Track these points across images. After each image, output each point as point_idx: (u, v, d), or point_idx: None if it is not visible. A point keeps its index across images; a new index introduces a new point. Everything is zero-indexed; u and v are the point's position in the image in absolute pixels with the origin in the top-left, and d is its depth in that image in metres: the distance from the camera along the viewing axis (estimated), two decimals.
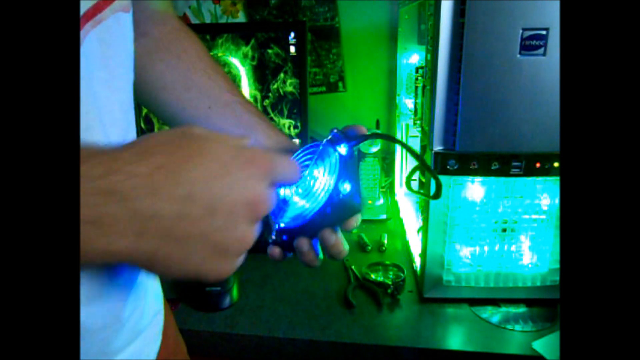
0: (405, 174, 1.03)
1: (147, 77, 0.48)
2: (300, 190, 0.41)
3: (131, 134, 0.40)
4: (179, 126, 0.29)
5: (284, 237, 0.41)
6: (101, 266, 0.27)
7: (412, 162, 1.00)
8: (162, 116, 0.50)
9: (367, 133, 0.42)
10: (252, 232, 0.29)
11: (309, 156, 0.42)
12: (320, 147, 0.41)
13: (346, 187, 0.40)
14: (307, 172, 0.41)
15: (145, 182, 0.25)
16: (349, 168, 0.41)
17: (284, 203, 0.42)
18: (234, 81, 1.04)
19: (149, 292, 0.44)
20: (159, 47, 0.48)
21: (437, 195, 0.46)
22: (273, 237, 0.41)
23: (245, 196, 0.28)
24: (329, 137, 0.41)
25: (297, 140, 0.46)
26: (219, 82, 0.49)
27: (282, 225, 0.41)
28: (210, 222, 0.27)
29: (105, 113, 0.35)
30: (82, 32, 0.31)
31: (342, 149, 0.41)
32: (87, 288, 0.33)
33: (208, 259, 0.28)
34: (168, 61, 0.48)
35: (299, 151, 0.43)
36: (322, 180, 0.41)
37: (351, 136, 0.41)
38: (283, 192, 0.42)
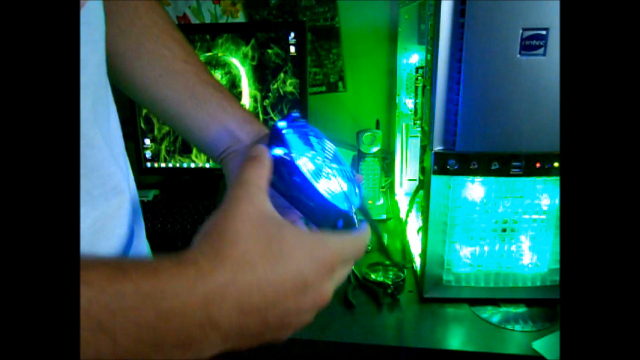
0: (405, 174, 1.03)
1: None
2: (329, 171, 0.37)
3: (113, 111, 0.40)
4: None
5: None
6: None
7: (412, 162, 1.00)
8: (117, 83, 0.49)
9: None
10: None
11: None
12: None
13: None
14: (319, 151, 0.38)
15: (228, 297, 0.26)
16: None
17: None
18: (234, 81, 1.04)
19: None
20: (112, 10, 0.45)
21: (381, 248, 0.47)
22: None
23: (315, 301, 0.30)
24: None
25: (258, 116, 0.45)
26: (173, 50, 0.47)
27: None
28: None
29: (99, 98, 0.35)
30: None
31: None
32: None
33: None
34: (121, 26, 0.46)
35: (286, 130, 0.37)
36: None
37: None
38: (329, 183, 0.36)
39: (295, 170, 0.34)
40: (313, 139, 0.38)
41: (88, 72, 0.33)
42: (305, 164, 0.35)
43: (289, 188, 0.35)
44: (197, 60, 0.49)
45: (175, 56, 0.47)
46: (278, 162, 0.34)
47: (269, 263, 0.28)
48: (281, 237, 0.29)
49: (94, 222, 0.34)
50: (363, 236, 0.35)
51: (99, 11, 0.35)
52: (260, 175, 0.32)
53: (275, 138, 0.36)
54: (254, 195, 0.31)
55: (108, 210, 0.36)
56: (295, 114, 0.39)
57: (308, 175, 0.34)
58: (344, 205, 0.36)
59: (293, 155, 0.35)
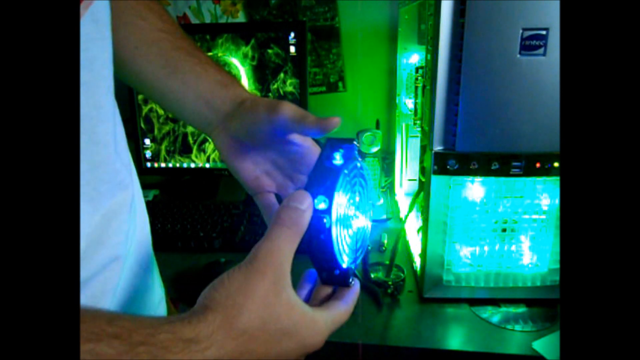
0: (405, 174, 1.03)
1: None
2: (351, 232, 0.37)
3: (115, 106, 0.40)
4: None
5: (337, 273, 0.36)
6: None
7: (412, 162, 1.00)
8: None
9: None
10: None
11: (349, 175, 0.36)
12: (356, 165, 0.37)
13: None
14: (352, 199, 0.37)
15: None
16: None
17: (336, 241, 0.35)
18: None
19: (155, 280, 0.45)
20: None
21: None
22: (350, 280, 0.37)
23: None
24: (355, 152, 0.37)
25: (240, 83, 0.43)
26: (149, 20, 0.45)
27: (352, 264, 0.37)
28: None
29: (106, 94, 0.35)
30: None
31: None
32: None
33: None
34: None
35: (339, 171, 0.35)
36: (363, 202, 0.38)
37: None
38: (341, 232, 0.35)
39: (325, 232, 0.34)
40: (356, 178, 0.37)
41: (96, 69, 0.33)
42: (336, 214, 0.34)
43: (310, 238, 0.34)
44: (174, 29, 0.47)
45: (152, 26, 0.45)
46: (314, 215, 0.33)
47: (265, 350, 0.29)
48: (285, 322, 0.30)
49: (101, 218, 0.34)
50: (350, 306, 0.36)
51: (106, 8, 0.35)
52: (293, 245, 0.32)
53: (326, 177, 0.34)
54: (280, 272, 0.30)
55: (114, 206, 0.36)
56: (354, 145, 0.37)
57: (333, 233, 0.34)
58: (347, 262, 0.36)
59: (332, 212, 0.34)
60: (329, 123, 0.37)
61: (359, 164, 0.37)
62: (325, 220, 0.33)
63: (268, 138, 0.41)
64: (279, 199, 0.45)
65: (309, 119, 0.38)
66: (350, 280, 0.36)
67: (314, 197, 0.33)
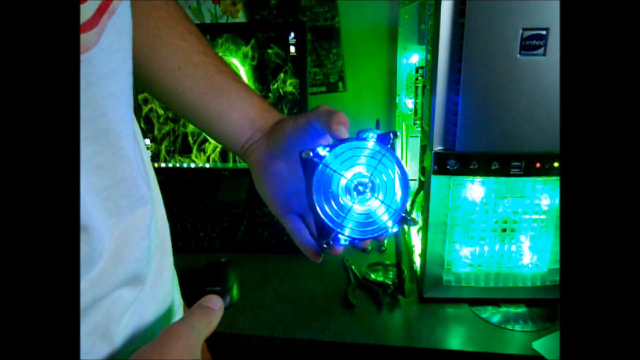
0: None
1: None
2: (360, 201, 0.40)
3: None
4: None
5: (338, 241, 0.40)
6: None
7: (412, 162, 1.00)
8: (136, 78, 0.47)
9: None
10: None
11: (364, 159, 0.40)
12: (380, 153, 0.40)
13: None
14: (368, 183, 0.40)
15: None
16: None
17: (340, 209, 0.40)
18: None
19: (175, 289, 0.45)
20: None
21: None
22: (338, 243, 0.40)
23: None
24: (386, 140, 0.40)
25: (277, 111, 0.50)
26: (191, 42, 0.47)
27: (346, 236, 0.40)
28: None
29: (129, 107, 0.35)
30: (98, 28, 0.30)
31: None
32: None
33: None
34: (136, 19, 0.44)
35: (345, 144, 0.39)
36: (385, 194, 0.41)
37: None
38: (341, 200, 0.40)
39: (311, 169, 0.38)
40: (379, 164, 0.40)
41: (119, 82, 0.33)
42: (334, 164, 0.39)
43: (308, 186, 0.39)
44: (214, 52, 0.49)
45: (193, 48, 0.47)
46: (314, 157, 0.38)
47: None
48: None
49: (121, 233, 0.34)
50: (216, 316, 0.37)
51: (128, 18, 0.35)
52: (202, 336, 0.33)
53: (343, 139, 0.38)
54: (194, 343, 0.32)
55: (134, 221, 0.35)
56: (389, 135, 0.40)
57: (318, 175, 0.38)
58: (333, 219, 0.40)
59: (332, 164, 0.39)
60: (338, 126, 0.40)
61: (383, 153, 0.40)
62: (314, 160, 0.38)
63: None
64: (304, 221, 0.47)
65: (337, 117, 0.40)
66: (324, 245, 0.39)
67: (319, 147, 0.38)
